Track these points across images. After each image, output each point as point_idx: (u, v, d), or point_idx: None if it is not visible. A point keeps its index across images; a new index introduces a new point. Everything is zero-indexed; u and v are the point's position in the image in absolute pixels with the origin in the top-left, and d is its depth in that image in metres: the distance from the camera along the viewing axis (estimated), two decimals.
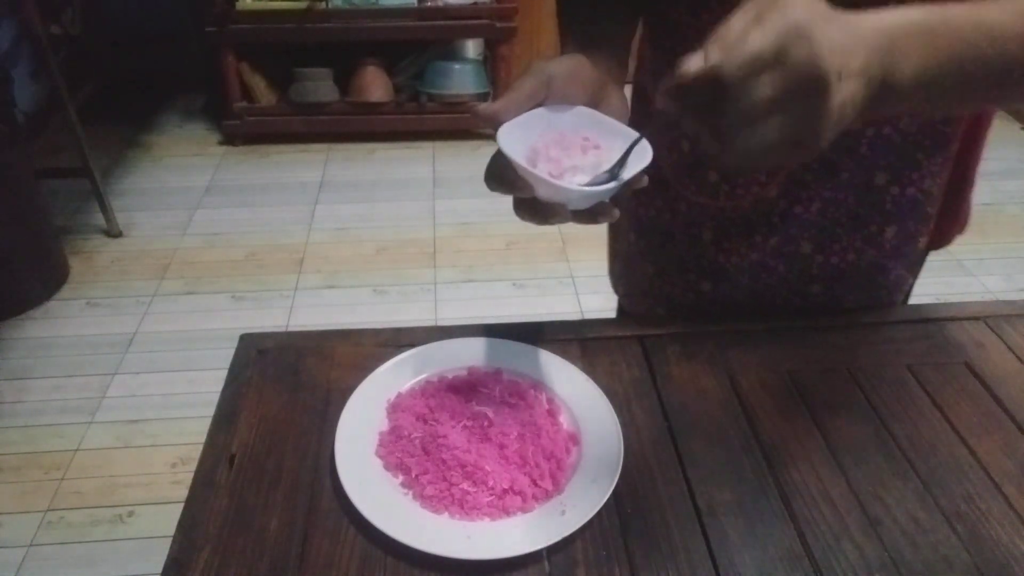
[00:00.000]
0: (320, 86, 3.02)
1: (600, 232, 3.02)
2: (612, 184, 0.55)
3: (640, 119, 0.87)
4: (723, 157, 0.47)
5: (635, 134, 0.57)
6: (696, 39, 0.53)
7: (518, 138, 0.58)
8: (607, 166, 0.57)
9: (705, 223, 0.86)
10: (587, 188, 0.54)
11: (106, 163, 2.90)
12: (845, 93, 0.45)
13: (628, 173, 0.56)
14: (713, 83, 0.45)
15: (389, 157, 3.10)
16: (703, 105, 0.47)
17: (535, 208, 0.59)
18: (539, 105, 0.60)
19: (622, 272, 1.03)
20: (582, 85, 0.61)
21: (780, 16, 0.44)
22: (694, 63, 0.46)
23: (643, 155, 0.56)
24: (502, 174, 0.58)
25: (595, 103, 0.61)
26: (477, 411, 0.70)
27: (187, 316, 2.24)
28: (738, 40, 0.44)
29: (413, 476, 0.65)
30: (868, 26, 0.48)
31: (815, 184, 0.79)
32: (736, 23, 0.46)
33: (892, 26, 0.49)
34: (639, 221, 0.93)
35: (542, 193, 0.56)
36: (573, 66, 0.62)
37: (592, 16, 0.74)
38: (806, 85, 0.44)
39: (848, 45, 0.45)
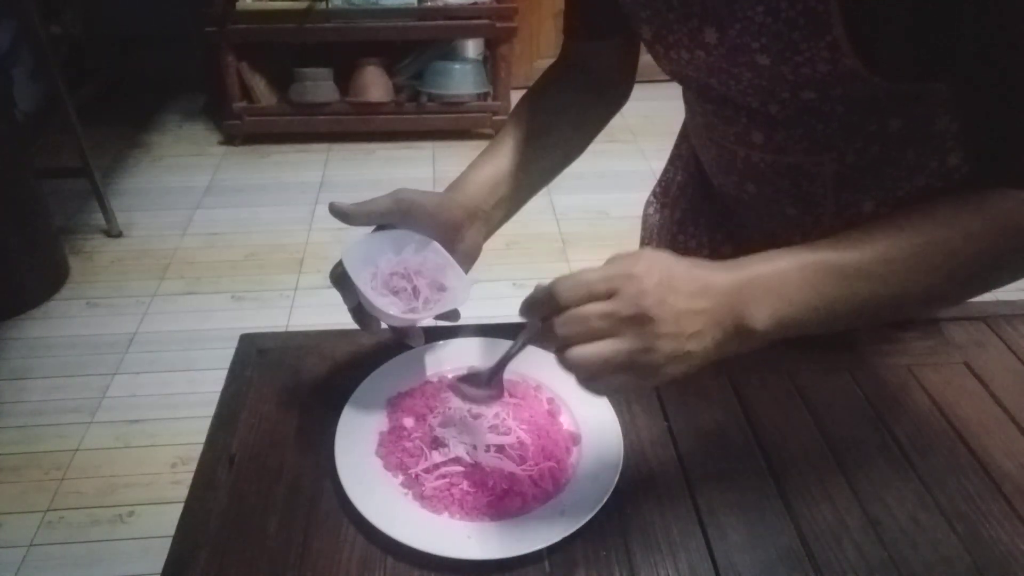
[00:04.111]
0: (320, 86, 3.02)
1: (600, 233, 2.99)
2: (413, 316, 0.66)
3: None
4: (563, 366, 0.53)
5: (467, 280, 0.68)
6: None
7: (364, 253, 0.68)
8: (429, 298, 0.68)
9: None
10: (394, 314, 0.66)
11: (106, 163, 2.90)
12: (692, 345, 0.51)
13: (431, 312, 0.67)
14: (552, 303, 0.51)
15: (389, 157, 3.10)
16: (545, 320, 0.53)
17: (358, 314, 0.69)
18: (394, 226, 0.69)
19: None
20: (439, 223, 0.69)
21: (619, 257, 0.52)
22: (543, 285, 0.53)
23: (455, 299, 0.67)
24: (341, 277, 0.67)
25: (449, 240, 0.70)
26: (477, 412, 0.70)
27: (187, 316, 2.24)
28: (578, 273, 0.51)
29: (413, 476, 0.65)
30: (719, 281, 0.53)
31: None
32: (590, 274, 0.52)
33: (742, 280, 0.53)
34: (675, 247, 0.95)
35: (364, 304, 0.66)
36: (437, 203, 0.70)
37: (546, 124, 0.79)
38: (632, 318, 0.50)
39: (691, 295, 0.51)
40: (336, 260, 0.68)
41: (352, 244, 0.68)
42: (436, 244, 0.69)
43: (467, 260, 0.72)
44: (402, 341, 0.72)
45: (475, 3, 2.98)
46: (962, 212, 0.55)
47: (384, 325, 0.70)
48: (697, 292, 0.51)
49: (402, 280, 0.68)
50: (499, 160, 0.75)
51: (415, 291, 0.68)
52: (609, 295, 0.50)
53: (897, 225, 0.55)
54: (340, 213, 0.67)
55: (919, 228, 0.55)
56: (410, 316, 0.67)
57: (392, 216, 0.69)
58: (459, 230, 0.71)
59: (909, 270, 0.54)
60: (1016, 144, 0.54)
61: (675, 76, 0.75)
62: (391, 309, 0.66)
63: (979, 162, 0.58)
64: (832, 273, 0.54)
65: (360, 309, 0.68)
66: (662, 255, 0.52)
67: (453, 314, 0.70)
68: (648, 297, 0.49)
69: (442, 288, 0.68)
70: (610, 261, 0.52)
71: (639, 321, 0.50)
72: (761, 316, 0.53)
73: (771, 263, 0.54)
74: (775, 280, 0.53)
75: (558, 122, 0.79)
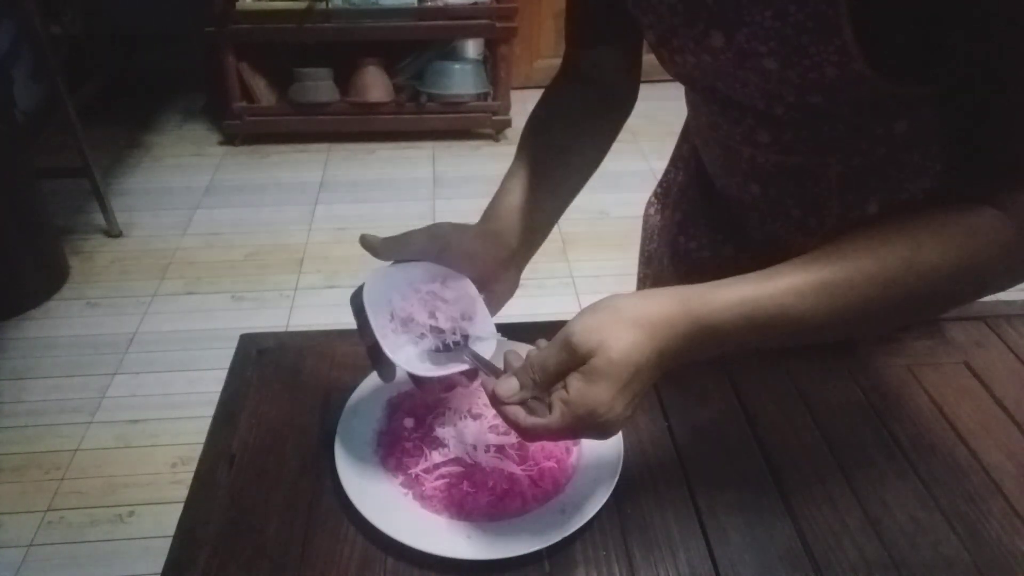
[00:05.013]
0: (320, 86, 3.02)
1: (600, 233, 3.00)
2: (430, 372, 0.62)
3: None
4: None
5: (491, 332, 0.64)
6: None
7: (387, 285, 0.64)
8: (450, 343, 0.64)
9: (744, 266, 0.87)
10: (409, 371, 0.61)
11: (106, 163, 2.89)
12: (634, 406, 0.54)
13: (451, 369, 0.62)
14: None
15: (389, 157, 3.10)
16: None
17: (374, 356, 0.64)
18: (428, 259, 0.66)
19: None
20: (480, 262, 0.67)
21: (583, 402, 0.52)
22: (504, 389, 0.54)
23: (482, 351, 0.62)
24: (360, 311, 0.63)
25: (487, 277, 0.67)
26: (477, 412, 0.70)
27: (187, 316, 2.24)
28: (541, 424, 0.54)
29: (413, 476, 0.65)
30: (671, 348, 0.53)
31: None
32: (549, 361, 0.54)
33: (692, 334, 0.53)
34: (676, 248, 0.94)
35: (382, 345, 0.61)
36: (478, 241, 0.67)
37: (562, 141, 0.77)
38: (590, 437, 0.56)
39: (645, 385, 0.53)
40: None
41: (374, 274, 0.64)
42: (468, 283, 0.65)
43: (504, 297, 0.70)
44: (418, 388, 0.68)
45: (475, 3, 2.98)
46: (926, 245, 0.53)
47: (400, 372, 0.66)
48: (653, 376, 0.54)
49: (426, 318, 0.65)
50: (527, 187, 0.72)
51: (439, 337, 0.64)
52: (567, 433, 0.54)
53: (856, 268, 0.54)
54: (370, 247, 0.65)
55: (879, 273, 0.53)
56: (428, 371, 0.62)
57: (427, 254, 0.66)
58: (500, 267, 0.68)
59: (858, 318, 0.54)
60: (1000, 153, 0.54)
61: (679, 78, 0.75)
62: (408, 363, 0.62)
63: (958, 170, 0.57)
64: (778, 324, 0.53)
65: (376, 350, 0.63)
66: (622, 366, 0.52)
67: (472, 374, 0.66)
68: (610, 429, 0.53)
69: (466, 335, 0.64)
70: (575, 375, 0.53)
71: (598, 438, 0.56)
72: (697, 359, 0.55)
73: (721, 306, 0.53)
74: (721, 331, 0.53)
75: (576, 141, 0.77)
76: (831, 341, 0.59)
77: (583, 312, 0.54)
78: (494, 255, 0.67)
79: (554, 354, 0.54)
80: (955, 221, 0.54)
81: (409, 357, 0.63)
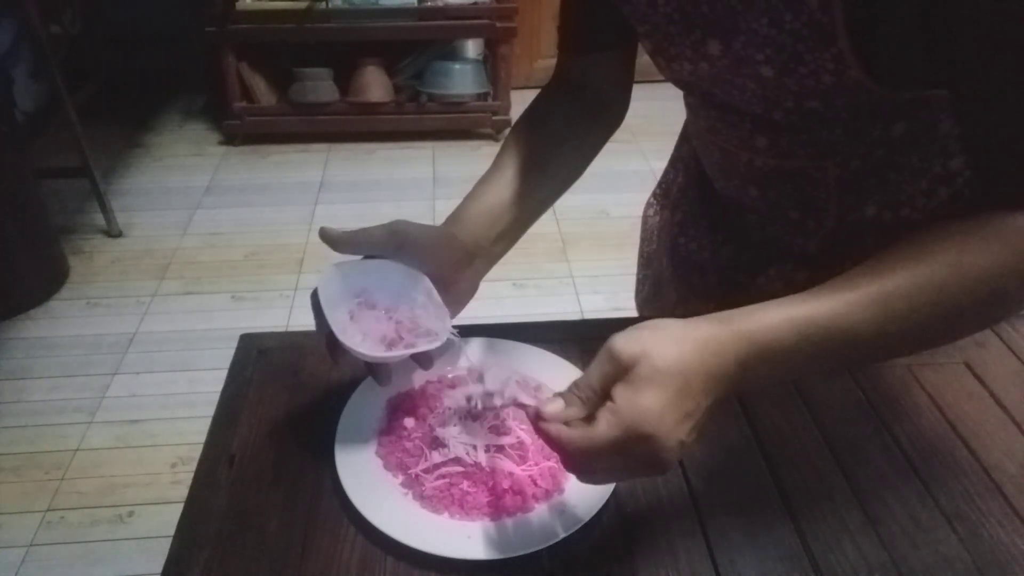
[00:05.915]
0: (320, 86, 3.02)
1: (600, 233, 3.00)
2: (382, 355, 0.63)
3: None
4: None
5: (446, 328, 0.64)
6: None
7: (345, 280, 0.65)
8: (406, 337, 0.65)
9: (743, 267, 0.87)
10: (362, 351, 0.62)
11: (106, 163, 2.90)
12: (689, 439, 0.50)
13: (404, 353, 0.63)
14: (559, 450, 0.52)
15: (389, 157, 3.10)
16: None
17: (331, 343, 0.64)
18: (386, 255, 0.66)
19: (651, 296, 1.03)
20: (438, 262, 0.66)
21: (630, 410, 0.48)
22: (552, 409, 0.52)
23: (432, 344, 0.63)
24: (317, 303, 0.63)
25: (445, 279, 0.67)
26: (477, 412, 0.70)
27: (187, 316, 2.24)
28: (586, 436, 0.50)
29: (413, 476, 0.65)
30: (729, 374, 0.51)
31: (856, 241, 0.77)
32: (592, 375, 0.51)
33: (751, 362, 0.51)
34: (675, 248, 0.94)
35: (331, 334, 0.62)
36: (436, 241, 0.67)
37: (543, 153, 0.76)
38: (645, 468, 0.51)
39: (699, 405, 0.50)
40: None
41: (332, 269, 0.65)
42: (426, 282, 0.66)
43: (462, 299, 0.70)
44: (372, 375, 0.68)
45: (475, 3, 2.98)
46: (972, 249, 0.52)
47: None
48: (710, 405, 0.51)
49: (381, 313, 0.66)
50: (499, 191, 0.72)
51: (396, 328, 0.65)
52: (617, 452, 0.49)
53: (904, 278, 0.52)
54: (329, 240, 0.64)
55: (928, 281, 0.52)
56: (380, 355, 0.63)
57: (385, 249, 0.66)
58: (457, 269, 0.68)
59: (913, 329, 0.53)
60: (1016, 161, 0.53)
61: (676, 84, 0.75)
62: (360, 346, 0.62)
63: (981, 177, 0.56)
64: (833, 340, 0.52)
65: (333, 337, 0.63)
66: (669, 375, 0.49)
67: (426, 360, 0.67)
68: (664, 452, 0.49)
69: (424, 329, 0.65)
70: (620, 386, 0.50)
71: (654, 468, 0.51)
72: (753, 388, 0.54)
73: (769, 325, 0.52)
74: (773, 350, 0.51)
75: (558, 150, 0.77)
76: (885, 360, 0.58)
77: (623, 330, 0.52)
78: (450, 257, 0.67)
79: (596, 368, 0.52)
80: (999, 225, 0.53)
81: (373, 344, 0.63)
